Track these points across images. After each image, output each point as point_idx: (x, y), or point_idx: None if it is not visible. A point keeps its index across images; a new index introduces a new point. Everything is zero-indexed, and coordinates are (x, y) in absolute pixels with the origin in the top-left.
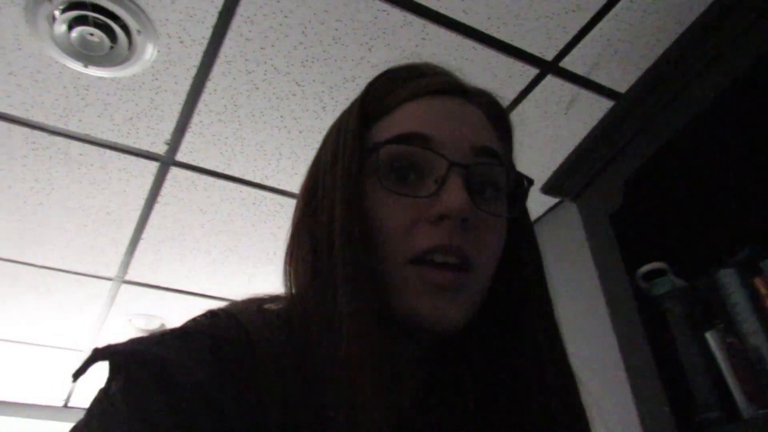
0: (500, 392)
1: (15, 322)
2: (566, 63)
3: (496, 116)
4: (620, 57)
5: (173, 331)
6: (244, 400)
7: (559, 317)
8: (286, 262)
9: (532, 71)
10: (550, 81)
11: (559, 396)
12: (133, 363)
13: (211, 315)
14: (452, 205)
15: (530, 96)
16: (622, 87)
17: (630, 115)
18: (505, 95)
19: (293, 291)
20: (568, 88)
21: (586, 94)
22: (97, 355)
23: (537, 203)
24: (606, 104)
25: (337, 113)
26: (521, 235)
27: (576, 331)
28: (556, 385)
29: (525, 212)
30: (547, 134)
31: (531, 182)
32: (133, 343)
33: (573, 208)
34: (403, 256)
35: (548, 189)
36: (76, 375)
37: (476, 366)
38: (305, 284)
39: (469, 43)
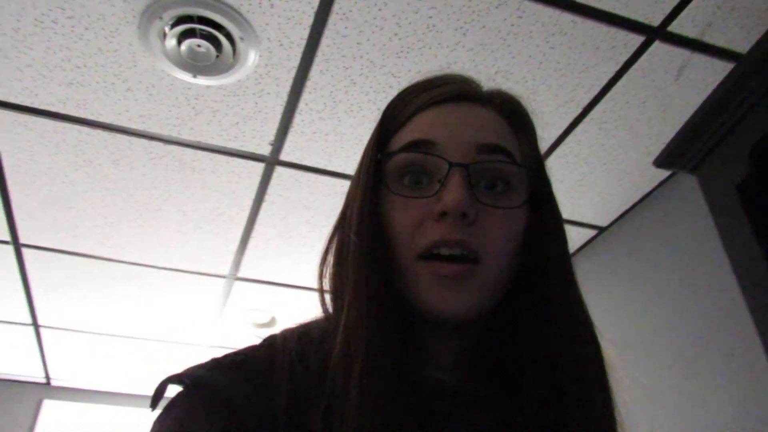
0: (535, 366)
1: (142, 321)
2: (675, 27)
3: (511, 113)
4: (739, 14)
5: (222, 356)
6: (258, 397)
7: (581, 294)
8: (319, 270)
9: (637, 39)
10: (658, 48)
11: (587, 366)
12: (185, 385)
13: (263, 340)
14: (449, 201)
15: (636, 65)
16: (742, 47)
17: (754, 75)
18: (608, 68)
19: (323, 293)
20: (678, 53)
21: (698, 58)
22: (165, 382)
23: (646, 177)
24: (722, 66)
25: None
26: (545, 220)
27: (704, 313)
28: (583, 356)
29: (549, 198)
30: (655, 104)
31: (533, 171)
32: (188, 369)
33: (690, 180)
34: (413, 252)
35: (662, 162)
36: (153, 405)
37: (513, 342)
38: (330, 288)
39: (567, 17)
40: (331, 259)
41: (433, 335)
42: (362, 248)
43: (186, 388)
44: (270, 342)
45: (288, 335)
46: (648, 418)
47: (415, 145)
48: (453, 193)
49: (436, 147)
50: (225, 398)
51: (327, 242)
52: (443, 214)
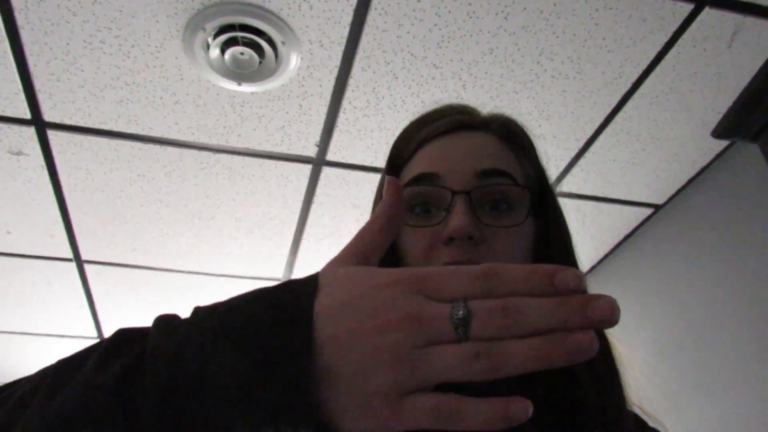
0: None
1: None
2: None
3: (508, 134)
4: None
5: None
6: None
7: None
8: None
9: (686, 7)
10: (708, 14)
11: (599, 362)
12: None
13: None
14: (454, 227)
15: (685, 35)
16: None
17: None
18: (656, 40)
19: None
20: (730, 18)
21: (752, 22)
22: None
23: (702, 150)
24: None
25: (477, 89)
26: (551, 228)
27: (762, 287)
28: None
29: (554, 207)
30: (708, 73)
31: (535, 186)
32: None
33: (750, 150)
34: None
35: (721, 132)
36: None
37: None
38: None
39: None
40: None
41: None
42: None
43: None
44: None
45: None
46: (707, 405)
47: (420, 179)
48: (457, 219)
49: (439, 178)
50: None
51: None
52: (451, 239)
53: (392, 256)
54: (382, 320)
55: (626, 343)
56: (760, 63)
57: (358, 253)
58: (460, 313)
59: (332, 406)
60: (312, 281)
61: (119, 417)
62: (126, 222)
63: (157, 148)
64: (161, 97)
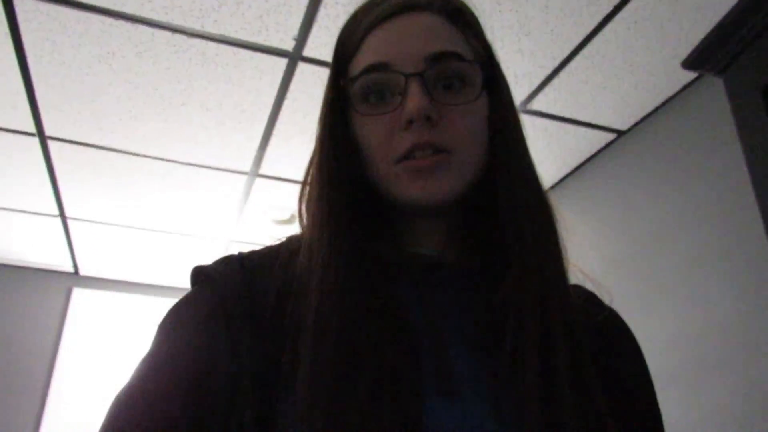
0: (501, 235)
1: (165, 214)
2: None
3: (454, 12)
4: None
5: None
6: (249, 288)
7: (533, 162)
8: (299, 194)
9: None
10: None
11: (543, 240)
12: (195, 275)
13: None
14: (411, 109)
15: None
16: None
17: None
18: None
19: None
20: None
21: None
22: (192, 271)
23: (670, 81)
24: None
25: None
26: (500, 100)
27: (717, 215)
28: (536, 218)
29: (500, 80)
30: (688, 3)
31: (484, 61)
32: (201, 265)
33: (717, 83)
34: (390, 160)
35: (690, 64)
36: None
37: (488, 219)
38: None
39: None
40: (307, 181)
41: (419, 222)
42: (330, 165)
43: (195, 275)
44: (264, 248)
45: (292, 238)
46: (652, 314)
47: (370, 69)
48: (413, 101)
49: (390, 65)
50: (218, 285)
51: (306, 171)
52: (410, 122)
53: (352, 148)
54: None
55: (570, 218)
56: None
57: None
58: None
59: None
60: None
61: None
62: (93, 100)
63: (128, 25)
64: None
